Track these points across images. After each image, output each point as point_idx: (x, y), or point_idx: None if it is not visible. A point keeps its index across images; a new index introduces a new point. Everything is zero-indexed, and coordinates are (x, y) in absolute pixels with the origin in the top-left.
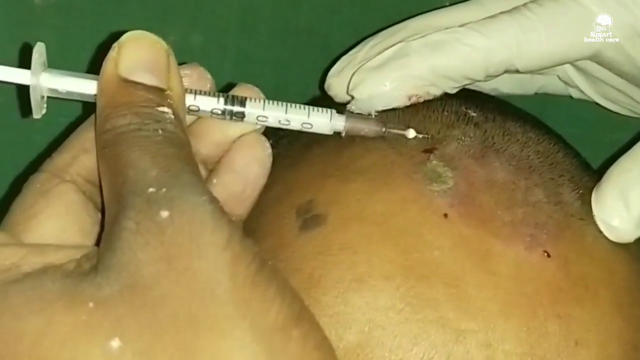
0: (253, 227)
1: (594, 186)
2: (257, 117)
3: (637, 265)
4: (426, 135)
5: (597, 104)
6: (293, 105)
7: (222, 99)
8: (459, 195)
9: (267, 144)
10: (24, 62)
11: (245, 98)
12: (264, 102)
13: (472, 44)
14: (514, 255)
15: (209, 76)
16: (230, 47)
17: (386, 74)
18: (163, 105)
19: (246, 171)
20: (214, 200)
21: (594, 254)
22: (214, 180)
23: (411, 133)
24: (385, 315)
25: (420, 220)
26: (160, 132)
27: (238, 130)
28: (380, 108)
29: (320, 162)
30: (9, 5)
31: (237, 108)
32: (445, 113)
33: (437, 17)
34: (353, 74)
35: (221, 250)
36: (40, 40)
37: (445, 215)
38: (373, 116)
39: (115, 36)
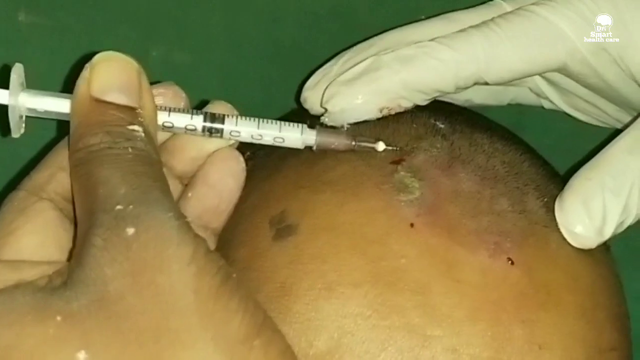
0: (229, 236)
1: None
2: (231, 132)
3: (601, 270)
4: (395, 148)
5: (567, 114)
6: (265, 120)
7: (196, 116)
8: (425, 205)
9: (241, 158)
10: (4, 81)
11: (218, 114)
12: (237, 117)
13: (441, 57)
14: (479, 263)
15: (184, 94)
16: (215, 63)
17: (358, 87)
18: (134, 124)
19: (221, 185)
20: (180, 216)
21: (558, 260)
22: (189, 194)
23: (381, 146)
24: (354, 322)
25: (388, 229)
26: (130, 150)
27: (212, 146)
28: (352, 121)
29: (294, 174)
30: None
31: (211, 124)
32: (414, 125)
33: (409, 31)
34: (326, 87)
35: (185, 264)
36: (25, 58)
37: (412, 224)
38: (345, 129)
39: (88, 57)
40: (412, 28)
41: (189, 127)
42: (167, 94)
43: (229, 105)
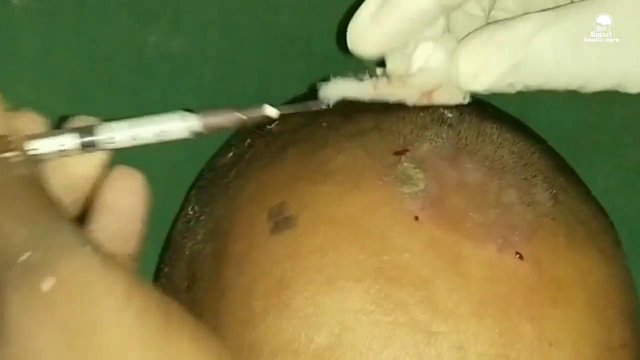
0: (226, 228)
1: (569, 187)
2: (105, 141)
3: (612, 266)
4: (287, 112)
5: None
6: (140, 118)
7: (65, 136)
8: (429, 197)
9: (139, 174)
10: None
11: (86, 126)
12: (109, 123)
13: None
14: (486, 257)
15: (42, 118)
16: (211, 50)
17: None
18: (10, 150)
19: (121, 206)
20: (96, 247)
21: (568, 255)
22: (91, 226)
23: (270, 110)
24: (355, 317)
25: (390, 223)
26: (14, 180)
27: (92, 163)
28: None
29: (293, 164)
30: None
31: (84, 139)
32: (421, 114)
33: None
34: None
35: (122, 310)
36: (19, 43)
37: (416, 218)
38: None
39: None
40: None
41: (61, 149)
42: (25, 122)
43: (40, 117)
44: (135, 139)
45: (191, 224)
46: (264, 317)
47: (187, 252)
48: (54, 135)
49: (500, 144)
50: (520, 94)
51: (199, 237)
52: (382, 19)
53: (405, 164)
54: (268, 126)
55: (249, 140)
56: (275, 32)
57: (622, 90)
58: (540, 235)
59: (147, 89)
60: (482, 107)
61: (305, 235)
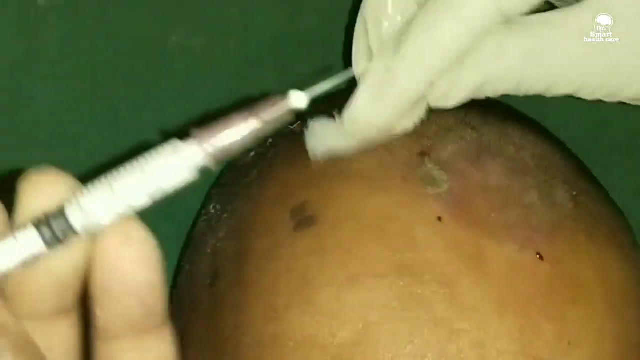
0: (249, 226)
1: (588, 188)
2: (85, 225)
3: (630, 265)
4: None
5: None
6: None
7: (20, 239)
8: (453, 199)
9: (141, 228)
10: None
11: (49, 213)
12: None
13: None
14: (508, 256)
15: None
16: (232, 49)
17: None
18: None
19: (134, 284)
20: None
21: (588, 255)
22: (97, 312)
23: (296, 98)
24: (380, 312)
25: (414, 222)
26: None
27: (71, 259)
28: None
29: (316, 164)
30: (11, 6)
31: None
32: (445, 115)
33: None
34: None
35: None
36: (44, 43)
37: (440, 218)
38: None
39: None
40: None
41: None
42: None
43: None
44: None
45: (213, 222)
46: (287, 313)
47: (209, 250)
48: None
49: (522, 145)
50: (536, 100)
51: (221, 235)
52: (382, 104)
53: (429, 165)
54: (290, 126)
55: (270, 140)
56: (297, 31)
57: (578, 96)
58: (560, 235)
59: (167, 87)
60: (504, 109)
61: (329, 232)
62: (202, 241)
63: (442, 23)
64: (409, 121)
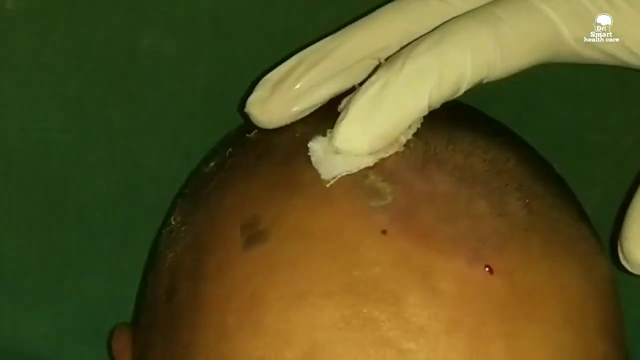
0: (204, 241)
1: (546, 194)
2: None
3: (590, 275)
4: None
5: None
6: None
7: None
8: (398, 210)
9: None
10: None
11: None
12: None
13: (459, 64)
14: (456, 271)
15: None
16: (204, 51)
17: (378, 122)
18: None
19: None
20: None
21: (542, 267)
22: None
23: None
24: (326, 333)
25: (360, 237)
26: None
27: None
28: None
29: (268, 175)
30: None
31: None
32: None
33: (387, 21)
34: (337, 125)
35: None
36: (13, 47)
37: (384, 231)
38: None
39: None
40: (391, 14)
41: None
42: None
43: None
44: None
45: (173, 234)
46: (237, 334)
47: (167, 264)
48: None
49: (471, 151)
50: (516, 95)
51: (178, 249)
52: (378, 119)
53: (372, 177)
54: (247, 134)
55: (230, 149)
56: (270, 32)
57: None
58: (512, 247)
59: (140, 91)
60: (456, 112)
61: (277, 249)
62: (163, 253)
63: (446, 46)
64: (404, 137)
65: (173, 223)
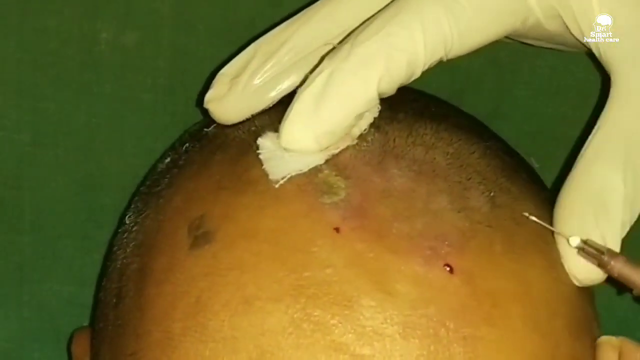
0: (151, 242)
1: (511, 187)
2: None
3: (558, 272)
4: None
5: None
6: None
7: None
8: (351, 207)
9: None
10: None
11: None
12: None
13: (410, 48)
14: (412, 272)
15: None
16: (165, 44)
17: (328, 114)
18: None
19: None
20: None
21: (505, 265)
22: None
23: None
24: (274, 340)
25: (311, 236)
26: None
27: None
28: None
29: (218, 172)
30: None
31: None
32: None
33: (332, 10)
34: (284, 121)
35: None
36: None
37: (337, 229)
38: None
39: None
40: (334, 4)
41: None
42: None
43: None
44: None
45: (125, 234)
46: (182, 340)
47: (118, 266)
48: None
49: (433, 144)
50: (491, 87)
51: (128, 250)
52: (323, 114)
53: (325, 171)
54: (206, 129)
55: (187, 144)
56: (232, 24)
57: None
58: (473, 244)
59: (99, 85)
60: (422, 103)
61: (224, 251)
62: (115, 254)
63: (393, 27)
64: (357, 129)
65: (127, 223)
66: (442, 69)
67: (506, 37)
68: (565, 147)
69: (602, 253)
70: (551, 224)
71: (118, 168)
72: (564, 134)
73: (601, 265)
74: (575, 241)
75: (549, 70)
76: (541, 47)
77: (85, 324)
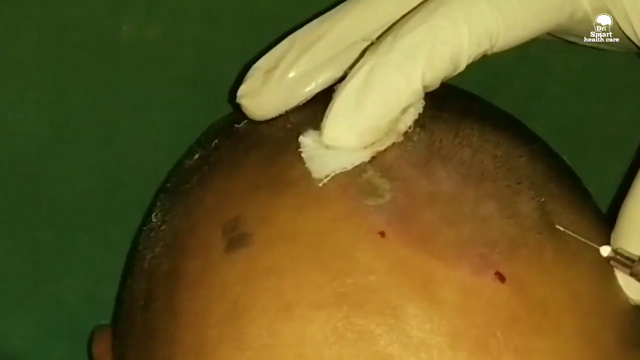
0: (183, 243)
1: (562, 193)
2: None
3: (608, 283)
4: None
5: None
6: None
7: None
8: (397, 210)
9: None
10: None
11: None
12: None
13: (454, 40)
14: (460, 280)
15: None
16: (188, 37)
17: (369, 110)
18: None
19: None
20: None
21: (556, 274)
22: None
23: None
24: (316, 349)
25: (354, 240)
26: None
27: None
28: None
29: (253, 171)
30: None
31: None
32: None
33: (374, 5)
34: (325, 120)
35: None
36: None
37: (382, 233)
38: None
39: None
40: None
41: None
42: None
43: None
44: None
45: (152, 233)
46: (217, 347)
47: (146, 266)
48: None
49: (480, 146)
50: (521, 83)
51: (157, 250)
52: (366, 109)
53: (370, 172)
54: (236, 125)
55: (216, 141)
56: (257, 17)
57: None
58: (523, 252)
59: (120, 79)
60: (465, 102)
61: (262, 254)
62: (142, 254)
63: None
64: (402, 125)
65: (154, 221)
66: (470, 64)
67: (548, 33)
68: (598, 147)
69: (634, 262)
70: (603, 235)
71: (139, 164)
72: (597, 134)
73: (633, 274)
74: (606, 251)
75: (582, 66)
76: (576, 43)
77: (104, 321)
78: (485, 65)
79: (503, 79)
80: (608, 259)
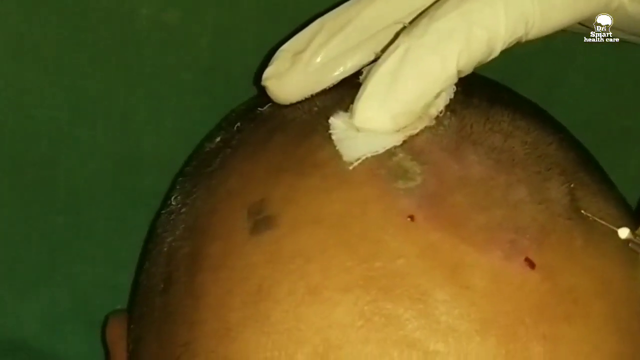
0: (205, 225)
1: (590, 182)
2: None
3: (635, 272)
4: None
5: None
6: None
7: None
8: (427, 194)
9: None
10: None
11: None
12: None
13: (490, 25)
14: (490, 266)
15: None
16: (208, 22)
17: (406, 90)
18: None
19: None
20: None
21: (585, 261)
22: None
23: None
24: (343, 333)
25: (383, 223)
26: None
27: None
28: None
29: (278, 153)
30: None
31: None
32: None
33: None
34: (355, 102)
35: None
36: (2, 13)
37: (412, 217)
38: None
39: None
40: None
41: None
42: None
43: None
44: None
45: (172, 216)
46: (241, 331)
47: (165, 249)
48: None
49: (511, 132)
50: (541, 72)
51: (177, 233)
52: (399, 92)
53: (400, 155)
54: (260, 108)
55: (238, 124)
56: (277, 2)
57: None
58: (553, 238)
59: (138, 63)
60: (494, 89)
61: (288, 237)
62: (161, 237)
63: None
64: (434, 109)
65: (173, 204)
66: None
67: (580, 23)
68: (620, 138)
69: None
70: (630, 224)
71: (156, 149)
72: (619, 125)
73: None
74: (624, 233)
75: (605, 56)
76: None
77: (119, 307)
78: (507, 54)
79: (525, 68)
80: (627, 241)
